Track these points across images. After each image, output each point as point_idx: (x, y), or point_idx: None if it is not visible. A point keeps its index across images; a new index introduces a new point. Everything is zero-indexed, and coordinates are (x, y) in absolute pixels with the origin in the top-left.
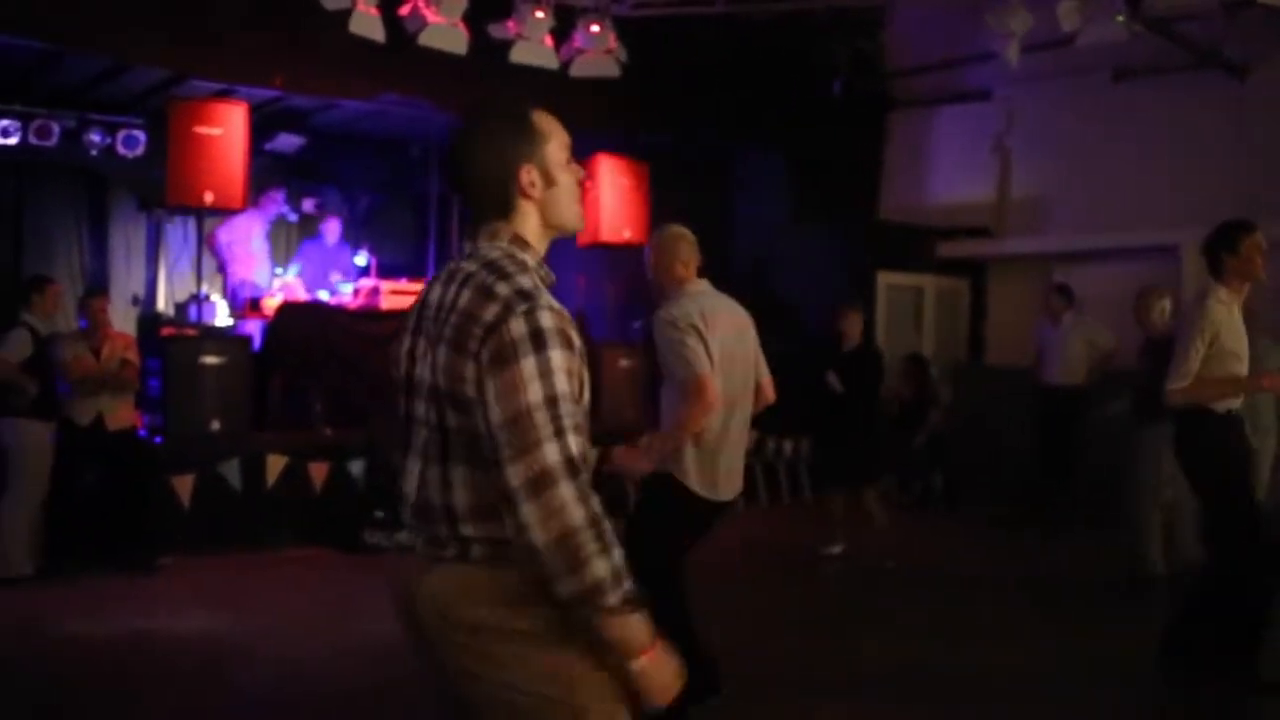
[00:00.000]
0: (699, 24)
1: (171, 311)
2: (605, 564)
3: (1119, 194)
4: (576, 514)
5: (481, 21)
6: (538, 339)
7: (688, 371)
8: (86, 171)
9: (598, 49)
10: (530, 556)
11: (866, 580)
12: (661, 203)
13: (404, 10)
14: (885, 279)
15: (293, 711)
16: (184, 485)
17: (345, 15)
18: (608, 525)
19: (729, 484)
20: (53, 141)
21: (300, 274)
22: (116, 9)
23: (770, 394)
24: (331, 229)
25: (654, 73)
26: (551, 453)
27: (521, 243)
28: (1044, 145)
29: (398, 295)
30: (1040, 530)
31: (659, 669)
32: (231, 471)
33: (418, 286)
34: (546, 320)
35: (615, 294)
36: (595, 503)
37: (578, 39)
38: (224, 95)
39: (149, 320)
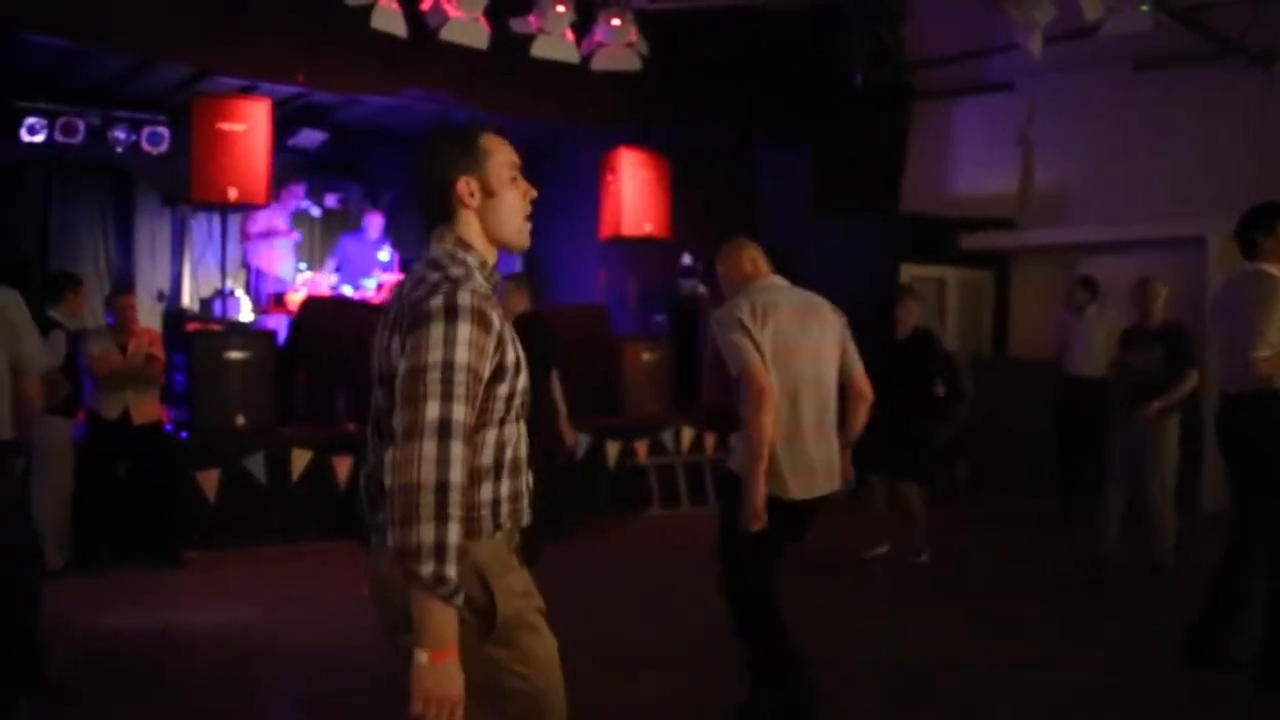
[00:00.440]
0: (720, 16)
1: (196, 307)
2: (431, 532)
3: (1143, 185)
4: (427, 472)
5: (502, 16)
6: (450, 312)
7: (735, 364)
8: (112, 168)
9: (619, 42)
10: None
11: (903, 576)
12: (683, 196)
13: (425, 5)
14: (908, 271)
15: (321, 703)
16: (209, 480)
17: (367, 10)
18: (459, 499)
19: (799, 482)
20: (78, 139)
21: (339, 269)
22: (141, 7)
23: (863, 388)
24: (374, 223)
25: (675, 66)
26: (431, 410)
27: (464, 245)
28: (1067, 136)
29: None
30: (1064, 521)
31: (439, 676)
32: (256, 466)
33: None
34: (463, 299)
35: (637, 288)
36: (454, 473)
37: (598, 33)
38: (247, 91)
39: (174, 316)
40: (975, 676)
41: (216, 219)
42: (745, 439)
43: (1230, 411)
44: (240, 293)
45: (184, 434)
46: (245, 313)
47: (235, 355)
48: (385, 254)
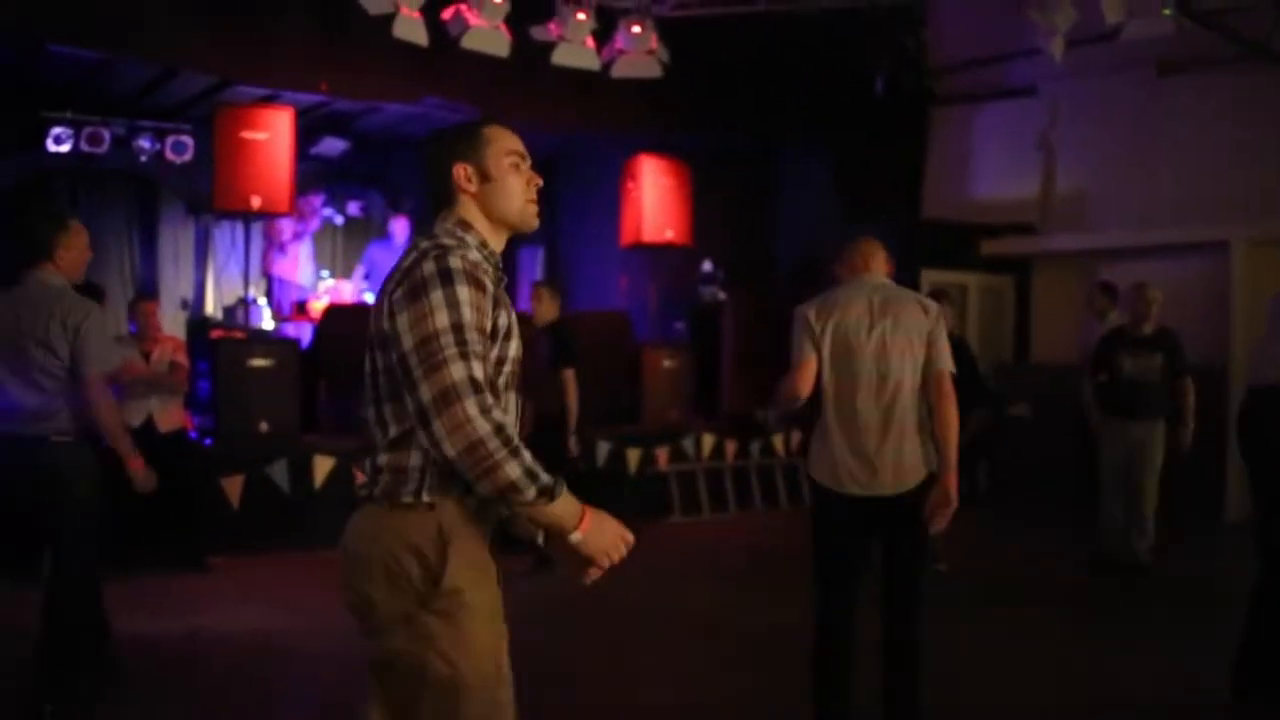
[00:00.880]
0: (740, 23)
1: (220, 315)
2: (516, 465)
3: (1166, 190)
4: (482, 425)
5: (523, 24)
6: (445, 275)
7: (792, 360)
8: (136, 178)
9: (639, 50)
10: (449, 465)
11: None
12: (704, 203)
13: (446, 14)
14: (929, 277)
15: (343, 708)
16: (233, 486)
17: (388, 19)
18: (513, 432)
19: (853, 477)
20: (104, 148)
21: (368, 277)
22: (166, 18)
23: (939, 388)
24: (400, 228)
25: (695, 73)
26: (458, 371)
27: (465, 225)
28: (1089, 141)
29: None
30: (1086, 526)
31: (596, 534)
32: (280, 473)
33: None
34: (455, 262)
35: (657, 294)
36: (498, 414)
37: (619, 40)
38: (269, 100)
39: (198, 323)
40: (996, 680)
41: (240, 227)
42: (816, 440)
43: (1260, 405)
44: (264, 300)
45: (208, 441)
46: (268, 321)
47: (259, 363)
48: None
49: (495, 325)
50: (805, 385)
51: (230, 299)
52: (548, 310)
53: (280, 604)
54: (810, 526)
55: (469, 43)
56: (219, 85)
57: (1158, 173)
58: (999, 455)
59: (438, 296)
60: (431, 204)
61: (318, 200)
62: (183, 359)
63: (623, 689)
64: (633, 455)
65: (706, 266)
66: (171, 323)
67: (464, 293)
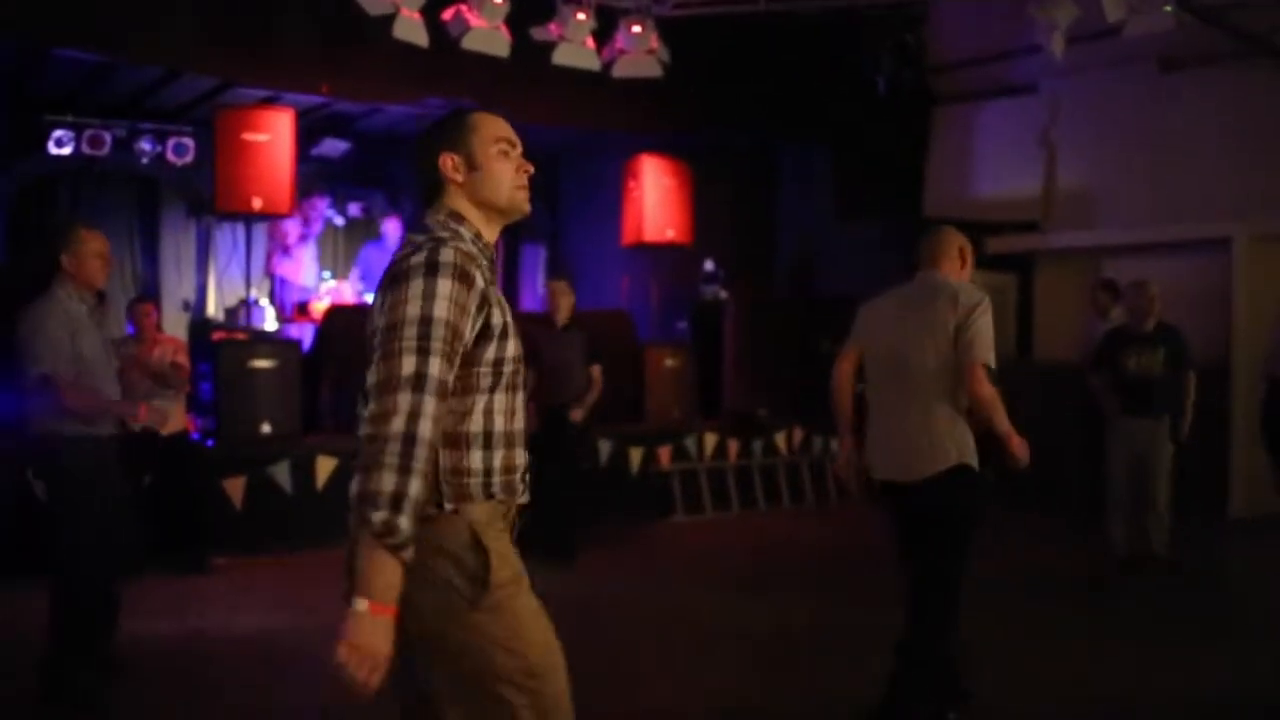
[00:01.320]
0: (741, 22)
1: (222, 316)
2: (391, 481)
3: (1168, 186)
4: (397, 424)
5: (523, 24)
6: (431, 268)
7: None
8: (138, 179)
9: (639, 49)
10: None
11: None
12: (706, 201)
13: (447, 15)
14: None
15: (350, 712)
16: (235, 487)
17: (389, 20)
18: (423, 454)
19: (885, 464)
20: (105, 151)
21: (363, 277)
22: (167, 21)
23: (969, 383)
24: (392, 229)
25: (696, 72)
26: (407, 364)
27: (457, 217)
28: (1091, 138)
29: None
30: (1091, 525)
31: (373, 630)
32: (282, 474)
33: None
34: (445, 255)
35: (659, 294)
36: (426, 427)
37: (619, 40)
38: (270, 102)
39: (200, 325)
40: (999, 678)
41: (241, 228)
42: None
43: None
44: (265, 302)
45: (210, 442)
46: (270, 322)
47: (260, 364)
48: None
49: (489, 324)
50: (841, 375)
51: (232, 300)
52: (566, 305)
53: (283, 605)
54: None
55: (469, 43)
56: (220, 87)
57: (1160, 169)
58: (999, 454)
59: (416, 286)
60: (422, 197)
61: (323, 204)
62: (184, 360)
63: (622, 690)
64: (635, 454)
65: (708, 265)
66: (173, 324)
67: (445, 286)
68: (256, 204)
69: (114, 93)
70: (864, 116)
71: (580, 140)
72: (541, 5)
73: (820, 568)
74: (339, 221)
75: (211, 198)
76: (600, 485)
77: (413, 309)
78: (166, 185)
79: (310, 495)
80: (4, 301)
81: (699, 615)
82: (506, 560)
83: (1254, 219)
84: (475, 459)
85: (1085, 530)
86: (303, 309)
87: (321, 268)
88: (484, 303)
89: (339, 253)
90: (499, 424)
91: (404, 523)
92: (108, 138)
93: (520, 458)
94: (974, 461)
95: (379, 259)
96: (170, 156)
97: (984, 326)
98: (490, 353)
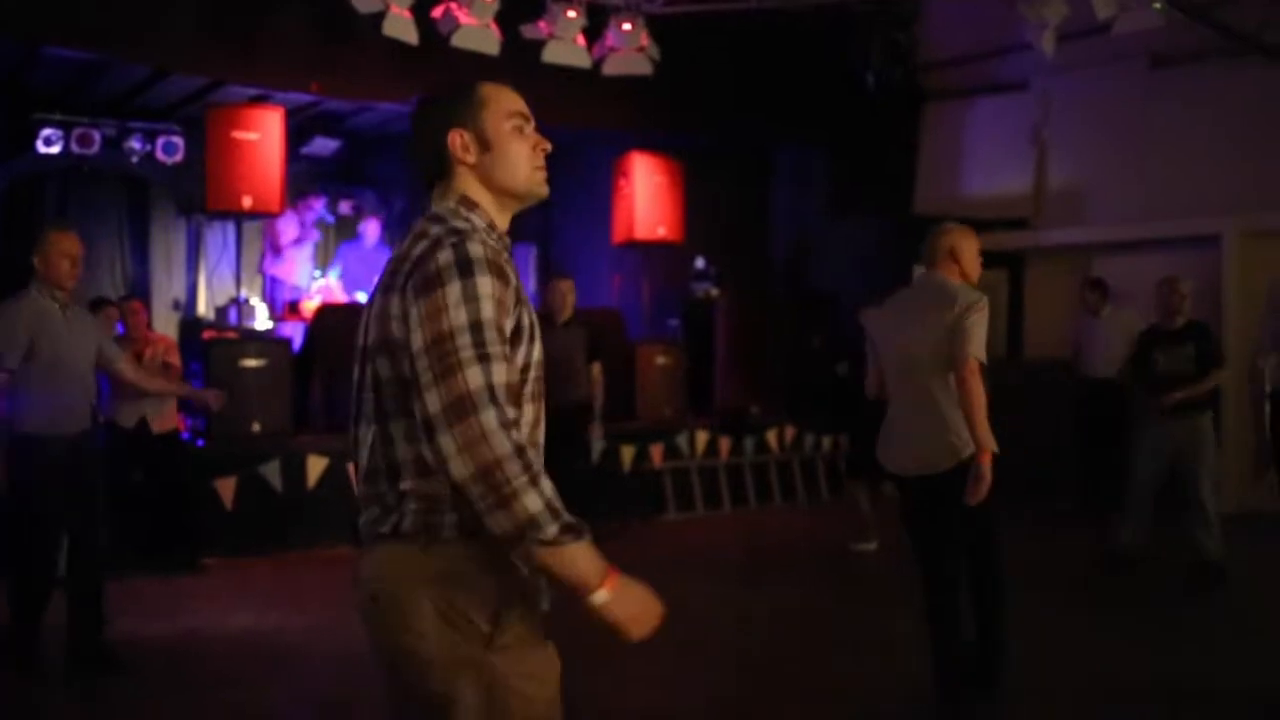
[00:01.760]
0: (731, 19)
1: (212, 315)
2: (536, 496)
3: (1158, 183)
4: (499, 444)
5: (513, 22)
6: (464, 265)
7: None
8: (127, 179)
9: (630, 47)
10: (457, 489)
11: (900, 575)
12: (698, 198)
13: (437, 12)
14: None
15: (342, 709)
16: (226, 487)
17: (379, 18)
18: (533, 455)
19: (893, 459)
20: (94, 150)
21: (342, 276)
22: (157, 19)
23: (959, 372)
24: (371, 230)
25: (687, 69)
26: (474, 378)
27: (469, 203)
28: (1082, 135)
29: None
30: (1084, 522)
31: (623, 599)
32: (272, 473)
33: None
34: (475, 250)
35: (650, 292)
36: (519, 434)
37: (610, 37)
38: (260, 100)
39: (190, 324)
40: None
41: (231, 227)
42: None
43: None
44: (256, 301)
45: (200, 442)
46: (262, 321)
47: (251, 363)
48: None
49: (519, 325)
50: (871, 384)
51: (222, 299)
52: (570, 302)
53: (275, 604)
54: None
55: (459, 41)
56: (209, 86)
57: (1150, 166)
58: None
59: (455, 289)
60: (422, 179)
61: (319, 204)
62: (175, 359)
63: (611, 690)
64: (626, 452)
65: (699, 263)
66: (164, 324)
67: (485, 285)
68: (247, 203)
69: (103, 91)
70: (855, 114)
71: (571, 138)
72: (531, 3)
73: (813, 565)
74: (330, 220)
75: (201, 196)
76: (592, 483)
77: (458, 316)
78: (156, 184)
79: (301, 494)
80: None
81: (692, 613)
82: (523, 591)
83: (1244, 215)
84: None
85: (1077, 525)
86: (294, 308)
87: (314, 265)
88: (517, 300)
89: (330, 251)
90: (523, 434)
91: (568, 518)
92: (97, 136)
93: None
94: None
95: (356, 258)
96: (160, 155)
97: (977, 323)
98: (519, 357)
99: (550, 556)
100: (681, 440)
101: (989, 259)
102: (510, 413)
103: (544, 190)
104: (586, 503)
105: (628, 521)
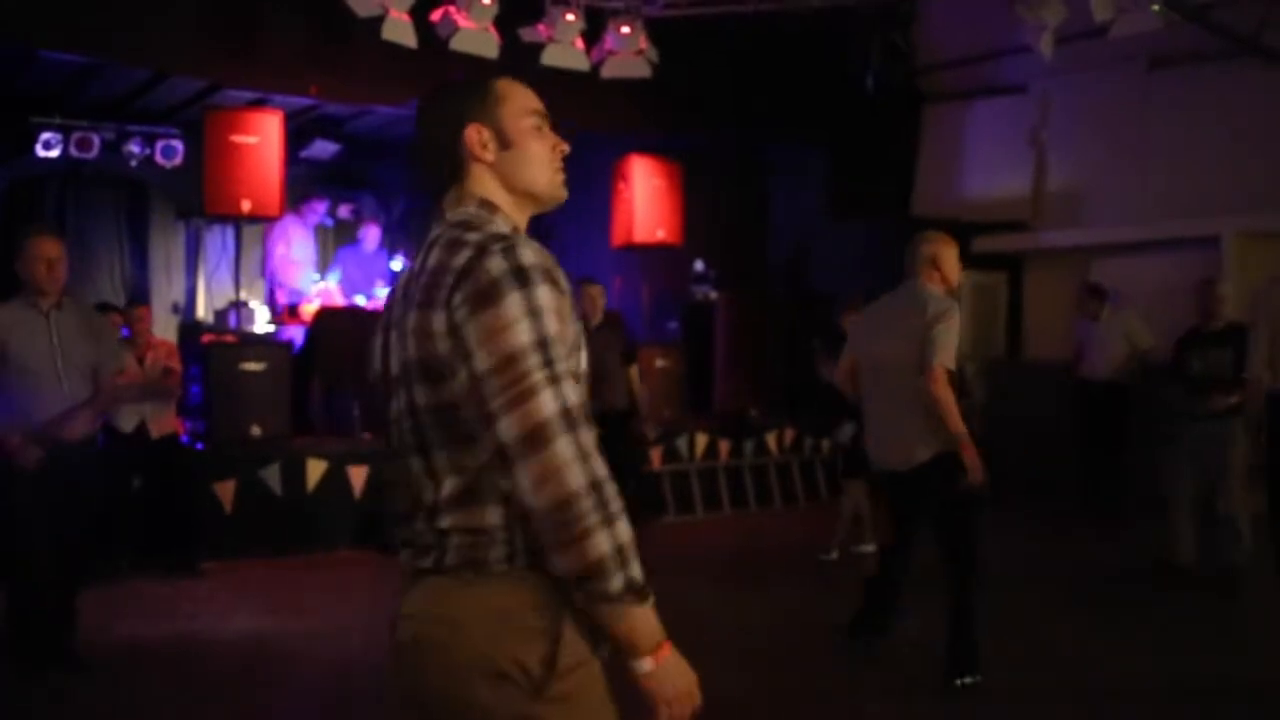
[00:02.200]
0: (730, 22)
1: (211, 319)
2: (608, 539)
3: (1157, 185)
4: (577, 477)
5: (512, 25)
6: (520, 275)
7: None
8: (126, 182)
9: (628, 50)
10: (529, 520)
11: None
12: (695, 202)
13: (435, 16)
14: None
15: (341, 713)
16: (226, 490)
17: (377, 22)
18: (613, 491)
19: (877, 453)
20: (93, 153)
21: (340, 280)
22: (156, 22)
23: (930, 375)
24: (370, 235)
25: (685, 72)
26: (547, 403)
27: (490, 206)
28: (1080, 137)
29: None
30: (1084, 524)
31: (669, 674)
32: (272, 476)
33: None
34: (528, 257)
35: (650, 294)
36: (599, 464)
37: (608, 40)
38: (259, 104)
39: (189, 328)
40: (983, 673)
41: (230, 231)
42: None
43: None
44: (255, 304)
45: (200, 445)
46: (261, 324)
47: (250, 366)
48: (399, 263)
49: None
50: (842, 371)
51: (221, 303)
52: (600, 306)
53: (274, 608)
54: None
55: (458, 44)
56: (208, 89)
57: (1149, 168)
58: (991, 453)
59: (515, 303)
60: (428, 181)
61: (321, 207)
62: (176, 364)
63: (616, 691)
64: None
65: (698, 266)
66: (163, 327)
67: (544, 295)
68: (246, 206)
69: (102, 95)
70: (854, 116)
71: (569, 141)
72: (530, 6)
73: (813, 567)
74: (329, 223)
75: (200, 200)
76: (652, 485)
77: (522, 335)
78: (155, 188)
79: (300, 498)
80: None
81: (693, 615)
82: (582, 631)
83: (1242, 216)
84: None
85: (1077, 527)
86: (293, 311)
87: (315, 265)
88: (571, 309)
89: (329, 255)
90: (603, 467)
91: (637, 571)
92: (96, 140)
93: None
94: (947, 447)
95: (355, 262)
96: (159, 159)
97: (944, 332)
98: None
99: (611, 610)
100: (681, 443)
101: (988, 261)
102: (587, 436)
103: (564, 194)
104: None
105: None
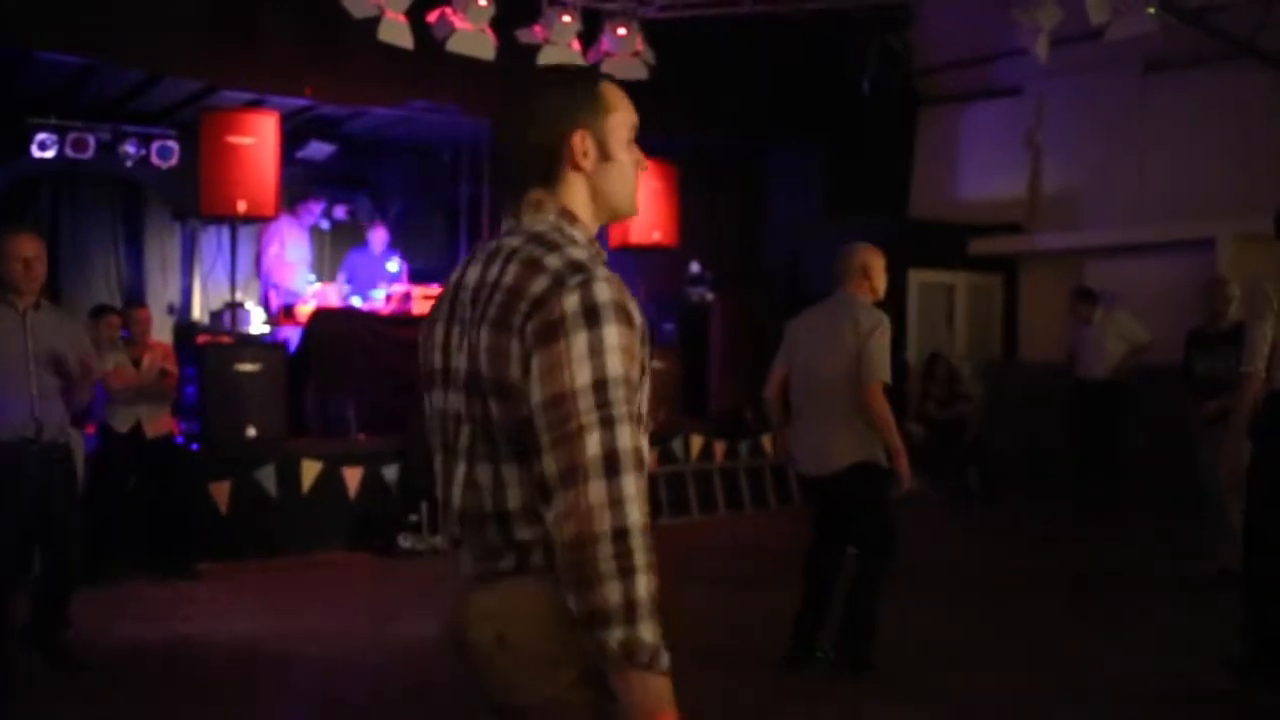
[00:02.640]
0: (726, 24)
1: (207, 320)
2: (618, 590)
3: (1152, 188)
4: (603, 521)
5: (509, 27)
6: (591, 314)
7: None
8: (122, 183)
9: (625, 51)
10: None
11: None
12: (691, 204)
13: (432, 17)
14: (917, 276)
15: (334, 713)
16: (221, 491)
17: (374, 23)
18: (643, 543)
19: (805, 459)
20: (89, 154)
21: (350, 282)
22: (152, 23)
23: (869, 394)
24: (378, 237)
25: (682, 74)
26: (591, 445)
27: (570, 216)
28: (1076, 139)
29: (430, 301)
30: (1079, 525)
31: None
32: (267, 477)
33: None
34: (603, 293)
35: (646, 296)
36: (634, 513)
37: (605, 42)
38: (255, 105)
39: (185, 329)
40: (978, 675)
41: (226, 232)
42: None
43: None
44: (251, 305)
45: (195, 446)
46: (256, 325)
47: (246, 367)
48: (394, 265)
49: (641, 366)
50: (771, 390)
51: (217, 304)
52: None
53: (269, 609)
54: None
55: (454, 46)
56: (204, 90)
57: (1144, 170)
58: (990, 452)
59: (579, 342)
60: (515, 178)
61: (318, 207)
62: (172, 366)
63: None
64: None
65: (694, 267)
66: (159, 328)
67: (613, 335)
68: (241, 207)
69: (98, 95)
70: (850, 119)
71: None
72: (527, 8)
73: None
74: (325, 225)
75: (196, 201)
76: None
77: (581, 374)
78: (151, 188)
79: (296, 499)
80: None
81: (688, 616)
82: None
83: (1237, 219)
84: None
85: (1073, 528)
86: (288, 312)
87: (311, 266)
88: (642, 341)
89: (325, 256)
90: (637, 517)
91: (645, 633)
92: (91, 141)
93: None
94: (878, 458)
95: (364, 264)
96: (155, 160)
97: (879, 348)
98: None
99: (608, 665)
100: (676, 445)
101: (984, 263)
102: (630, 483)
103: (636, 210)
104: None
105: None
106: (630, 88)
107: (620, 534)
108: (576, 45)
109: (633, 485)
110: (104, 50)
